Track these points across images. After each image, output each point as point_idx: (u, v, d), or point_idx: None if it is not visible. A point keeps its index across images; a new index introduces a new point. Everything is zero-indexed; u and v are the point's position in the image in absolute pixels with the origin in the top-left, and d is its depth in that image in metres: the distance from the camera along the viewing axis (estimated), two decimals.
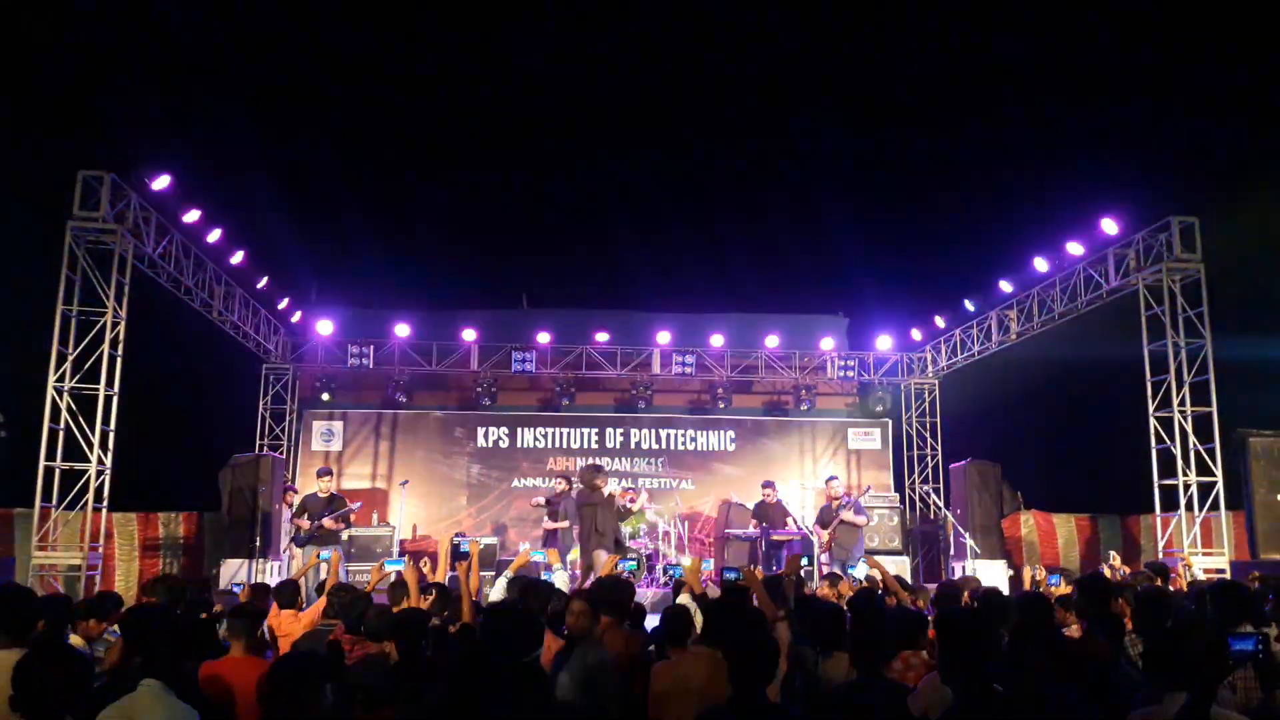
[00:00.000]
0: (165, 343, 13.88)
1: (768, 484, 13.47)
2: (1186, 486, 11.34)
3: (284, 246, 14.75)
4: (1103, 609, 5.16)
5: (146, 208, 11.15)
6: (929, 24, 15.54)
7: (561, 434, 16.74)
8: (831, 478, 12.63)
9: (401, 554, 13.60)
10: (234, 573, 12.41)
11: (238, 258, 13.06)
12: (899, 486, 16.96)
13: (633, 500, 10.76)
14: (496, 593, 6.59)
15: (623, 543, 10.41)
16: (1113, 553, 12.13)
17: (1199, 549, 11.24)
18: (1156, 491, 11.68)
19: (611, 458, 16.46)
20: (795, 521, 13.07)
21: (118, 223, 10.53)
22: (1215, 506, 11.27)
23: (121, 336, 10.69)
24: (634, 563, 9.86)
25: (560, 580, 7.79)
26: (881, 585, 7.47)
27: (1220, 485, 11.22)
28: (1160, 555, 11.45)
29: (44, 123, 13.09)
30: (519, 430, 16.66)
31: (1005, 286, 14.29)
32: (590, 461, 11.69)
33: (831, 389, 17.36)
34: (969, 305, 15.32)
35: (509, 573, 6.64)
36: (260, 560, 12.81)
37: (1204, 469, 11.35)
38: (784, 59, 15.90)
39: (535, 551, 13.02)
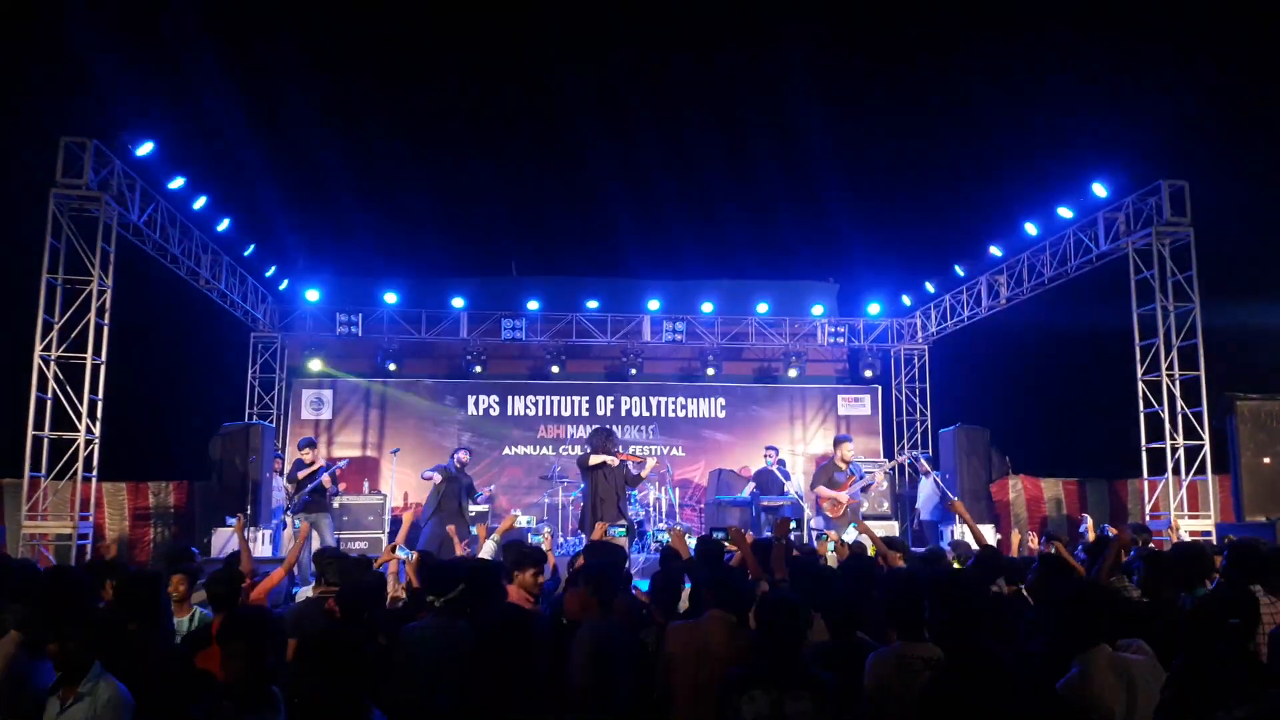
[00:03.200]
0: (152, 311, 13.78)
1: (770, 449, 13.57)
2: (1174, 450, 11.41)
3: (270, 213, 14.63)
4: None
5: (130, 174, 11.03)
6: None
7: (552, 402, 16.74)
8: (844, 438, 12.23)
9: (396, 518, 13.66)
10: (225, 541, 12.42)
11: (224, 225, 12.96)
12: (888, 452, 17.04)
13: (639, 464, 10.71)
14: (485, 555, 6.60)
15: (624, 511, 10.39)
16: (1086, 516, 12.22)
17: (1185, 512, 11.34)
18: (1144, 455, 11.76)
19: (610, 426, 16.48)
20: (790, 488, 13.13)
21: (101, 190, 10.41)
22: (1202, 470, 11.35)
23: (108, 305, 10.60)
24: (623, 529, 9.88)
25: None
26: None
27: (1207, 449, 11.29)
28: (1147, 518, 11.56)
29: (24, 87, 12.88)
30: (509, 398, 16.66)
31: (995, 251, 14.31)
32: (596, 427, 11.61)
33: (822, 355, 17.40)
34: (959, 270, 15.34)
35: (496, 536, 6.67)
36: (251, 529, 12.81)
37: (1191, 432, 11.42)
38: (774, 18, 15.74)
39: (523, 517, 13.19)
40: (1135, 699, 3.38)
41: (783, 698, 3.48)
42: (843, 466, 11.42)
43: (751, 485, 13.43)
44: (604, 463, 10.22)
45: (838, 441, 12.04)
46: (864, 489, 11.49)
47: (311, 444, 12.48)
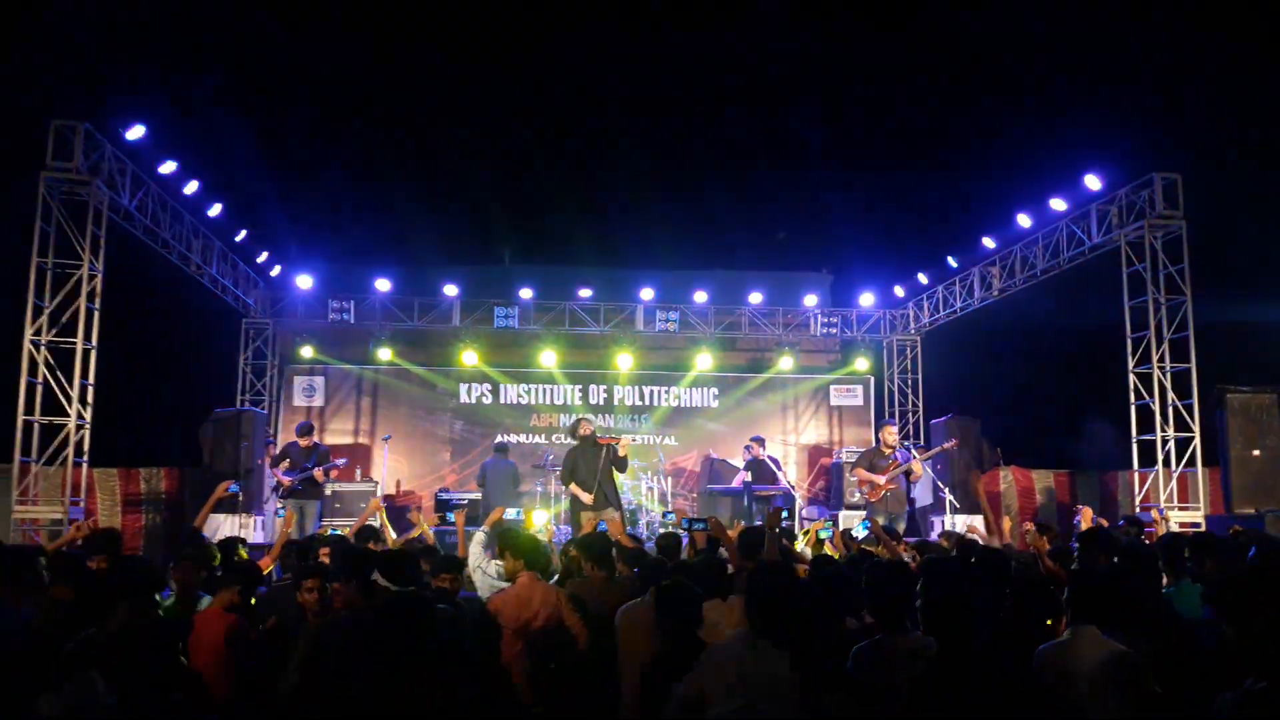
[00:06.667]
0: (143, 297, 13.72)
1: (757, 439, 13.55)
2: (1164, 442, 11.47)
3: (263, 199, 14.55)
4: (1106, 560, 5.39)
5: (121, 158, 10.96)
6: None
7: (544, 390, 16.72)
8: (887, 422, 12.00)
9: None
10: (216, 528, 12.38)
11: (215, 210, 12.87)
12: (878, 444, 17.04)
13: (616, 441, 10.51)
14: (475, 547, 6.57)
15: (610, 496, 10.20)
16: (1083, 508, 12.24)
17: (1175, 504, 11.40)
18: (1135, 447, 11.82)
19: (595, 414, 16.46)
20: (782, 477, 13.15)
21: (92, 174, 10.34)
22: (1192, 462, 11.42)
23: (99, 290, 10.55)
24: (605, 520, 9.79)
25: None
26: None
27: (1197, 441, 11.36)
28: (1137, 509, 11.62)
29: (14, 70, 12.79)
30: (502, 386, 16.63)
31: (988, 243, 14.31)
32: (575, 418, 11.52)
33: (814, 345, 17.40)
34: (952, 262, 15.34)
35: (485, 528, 6.60)
36: (243, 515, 12.79)
37: (1182, 425, 11.48)
38: (768, 13, 15.72)
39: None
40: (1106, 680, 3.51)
41: None
42: (887, 451, 10.97)
43: (744, 474, 13.45)
44: (574, 447, 10.15)
45: (880, 426, 11.70)
46: (907, 474, 11.01)
47: (309, 430, 12.42)
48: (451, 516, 7.67)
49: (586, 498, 9.99)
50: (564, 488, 11.64)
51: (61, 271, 10.33)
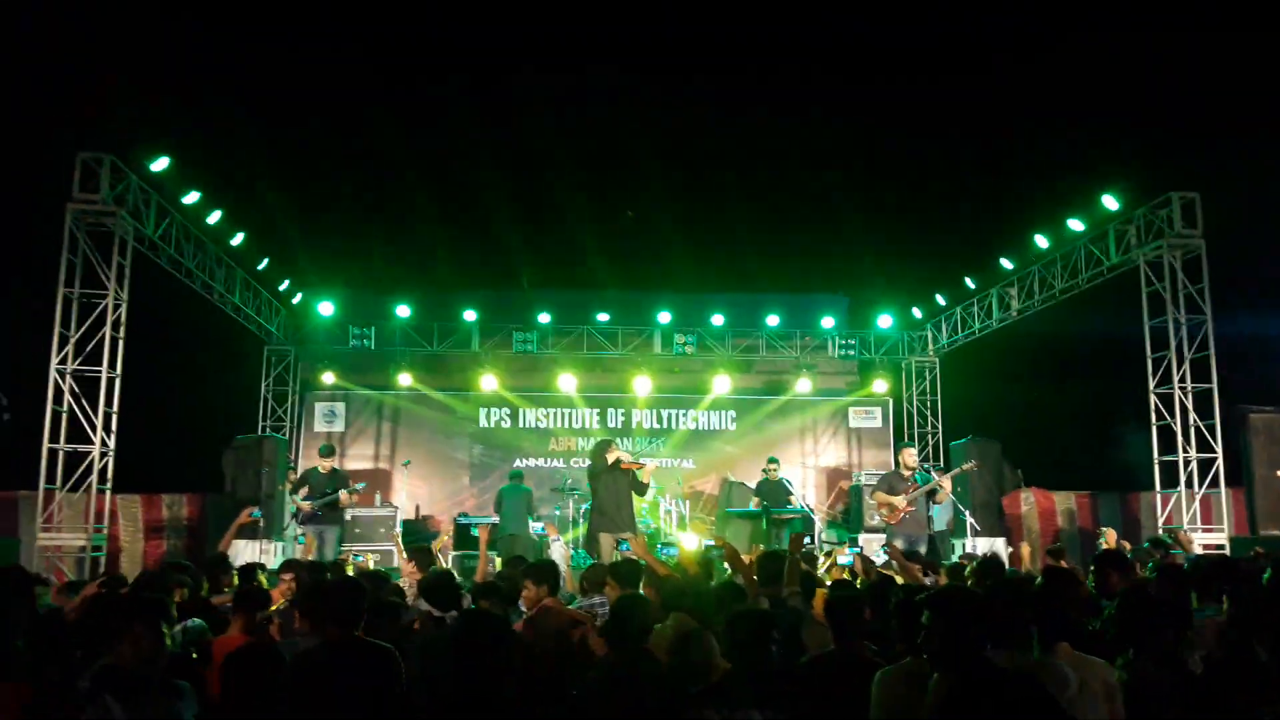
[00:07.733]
0: (167, 325, 13.90)
1: (772, 460, 13.50)
2: (1187, 463, 11.37)
3: (284, 228, 14.72)
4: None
5: (146, 189, 11.15)
6: None
7: (563, 414, 16.78)
8: (905, 445, 11.91)
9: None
10: (238, 554, 12.45)
11: (238, 239, 13.05)
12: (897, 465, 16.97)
13: (639, 467, 10.39)
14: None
15: (628, 520, 10.11)
16: (1106, 530, 12.12)
17: (1199, 525, 11.28)
18: (1156, 468, 11.72)
19: (613, 438, 16.48)
20: (796, 499, 13.12)
21: (117, 205, 10.52)
22: (1215, 483, 11.30)
23: (123, 319, 10.70)
24: (625, 542, 9.76)
25: (557, 552, 7.94)
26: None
27: (1220, 461, 11.25)
28: (1160, 531, 11.51)
29: (42, 104, 13.05)
30: (521, 410, 16.70)
31: (1006, 263, 14.29)
32: (597, 441, 11.48)
33: (832, 368, 17.38)
34: (970, 283, 15.32)
35: (497, 559, 6.73)
36: (265, 541, 12.86)
37: (1204, 445, 11.37)
38: (783, 29, 15.80)
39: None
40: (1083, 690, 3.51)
41: (732, 716, 3.48)
42: (906, 474, 10.64)
43: (755, 499, 13.39)
44: (606, 469, 10.04)
45: (899, 449, 11.52)
46: (930, 494, 10.58)
47: (330, 451, 12.48)
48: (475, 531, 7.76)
49: (626, 457, 10.06)
50: (584, 513, 11.67)
51: (87, 301, 10.49)
